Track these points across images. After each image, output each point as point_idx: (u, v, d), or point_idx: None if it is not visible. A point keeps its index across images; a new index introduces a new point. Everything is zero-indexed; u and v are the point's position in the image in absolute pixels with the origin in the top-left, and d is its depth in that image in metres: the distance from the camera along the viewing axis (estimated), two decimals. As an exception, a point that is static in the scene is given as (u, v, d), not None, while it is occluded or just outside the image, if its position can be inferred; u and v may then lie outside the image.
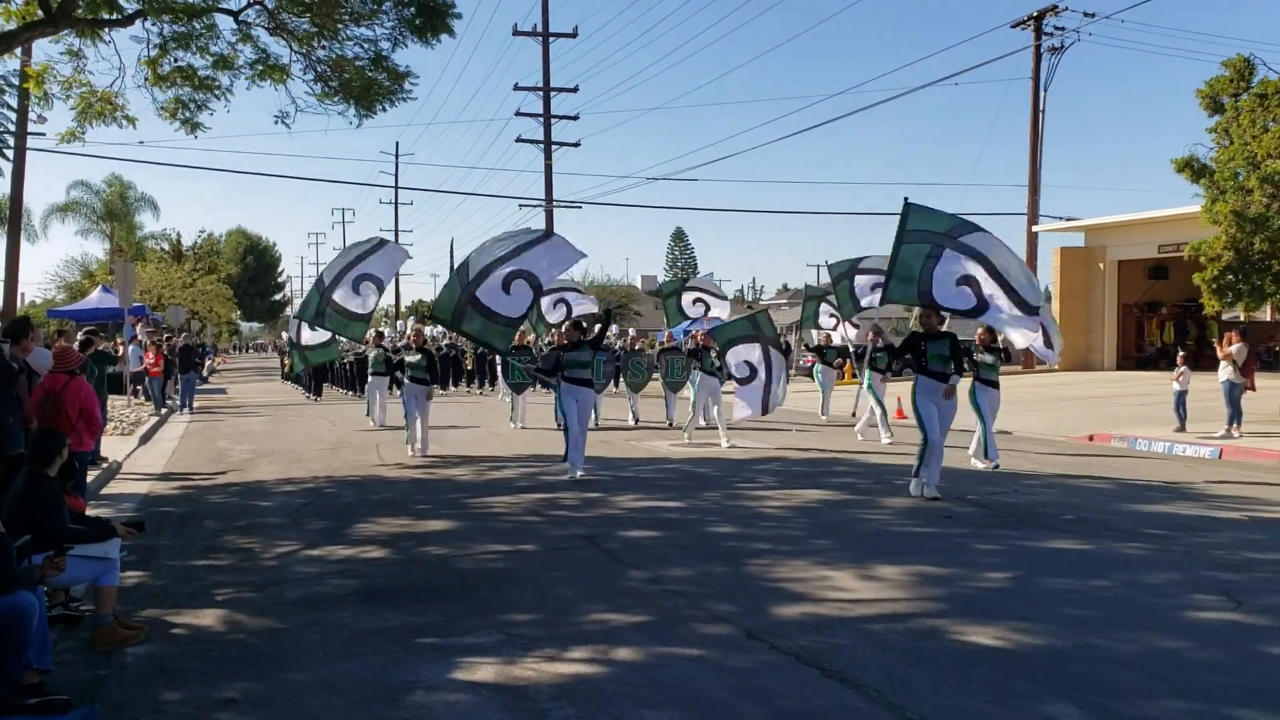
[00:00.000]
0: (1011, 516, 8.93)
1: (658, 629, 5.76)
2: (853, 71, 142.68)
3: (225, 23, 14.70)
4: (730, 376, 14.82)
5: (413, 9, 12.17)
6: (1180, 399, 16.86)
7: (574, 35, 41.21)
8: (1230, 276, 19.66)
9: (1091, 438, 17.07)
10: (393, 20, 12.74)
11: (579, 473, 11.53)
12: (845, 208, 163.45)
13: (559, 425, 17.31)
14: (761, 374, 14.14)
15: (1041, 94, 38.11)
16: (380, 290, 14.19)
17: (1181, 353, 18.91)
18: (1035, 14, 37.98)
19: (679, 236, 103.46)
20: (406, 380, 14.53)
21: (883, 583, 6.68)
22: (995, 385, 12.53)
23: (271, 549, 8.28)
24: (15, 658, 4.69)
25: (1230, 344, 17.09)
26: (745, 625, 5.76)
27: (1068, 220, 39.16)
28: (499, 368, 22.42)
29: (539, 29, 40.13)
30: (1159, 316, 37.38)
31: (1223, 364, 16.55)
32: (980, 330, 12.37)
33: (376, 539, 8.59)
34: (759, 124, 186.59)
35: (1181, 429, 16.56)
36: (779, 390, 14.34)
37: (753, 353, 14.18)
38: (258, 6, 13.97)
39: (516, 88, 41.32)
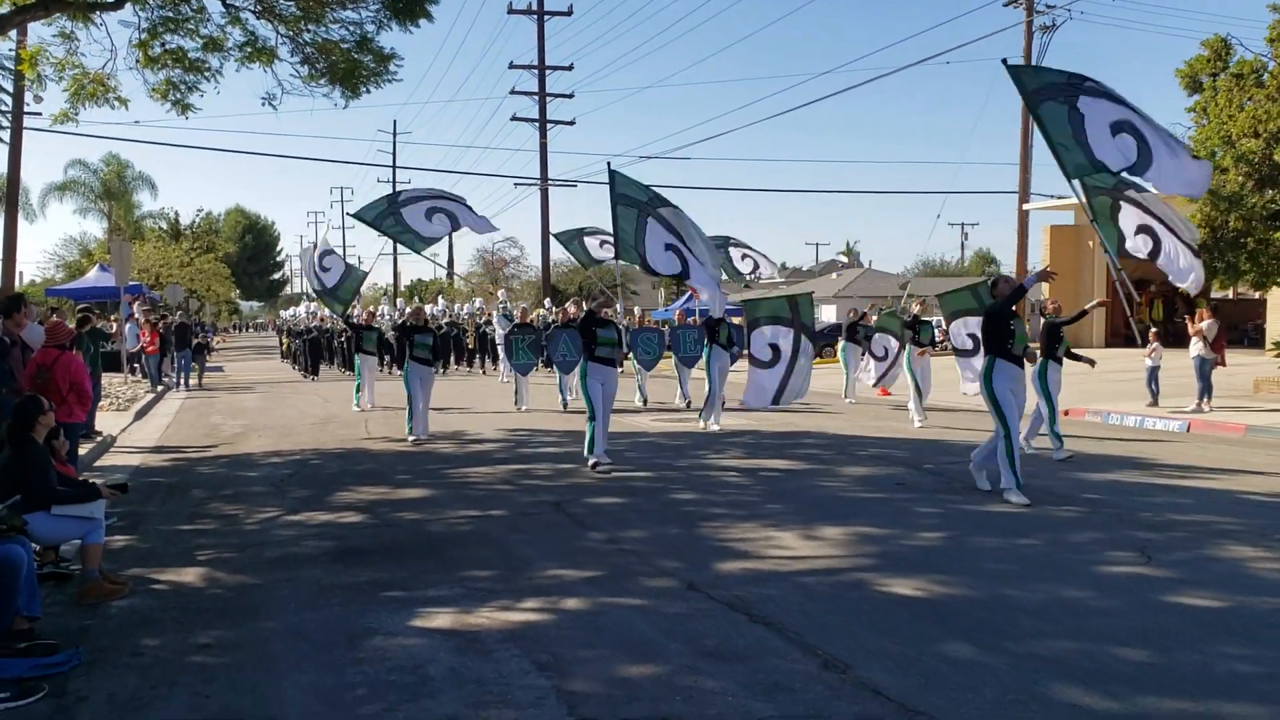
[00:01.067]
0: (959, 483, 9.35)
1: (606, 582, 6.19)
2: (846, 48, 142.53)
3: (214, 6, 15.03)
4: (749, 356, 13.35)
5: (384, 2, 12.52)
6: (1152, 374, 17.26)
7: (569, 14, 41.32)
8: (1206, 254, 20.02)
9: (1066, 412, 17.41)
10: (377, 3, 13.06)
11: (603, 463, 10.71)
12: (842, 186, 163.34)
13: (564, 407, 17.33)
14: (784, 362, 12.78)
15: (1034, 72, 38.28)
16: (451, 229, 14.72)
17: (1153, 329, 19.31)
18: (1027, -10, 38.11)
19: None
20: (410, 360, 13.78)
21: (823, 542, 7.10)
22: (1061, 363, 11.41)
23: (254, 515, 8.70)
24: (6, 604, 5.11)
25: (1201, 320, 17.51)
26: (687, 579, 6.19)
27: (1058, 199, 39.46)
28: (501, 348, 21.22)
29: (534, 7, 40.27)
30: (1148, 294, 37.70)
31: (1194, 340, 16.97)
32: (1049, 301, 12.00)
33: (355, 505, 9.01)
34: (752, 101, 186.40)
35: (1154, 403, 16.96)
36: (799, 383, 12.97)
37: (784, 338, 12.82)
38: (244, -11, 14.29)
39: (512, 66, 41.40)
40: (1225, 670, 4.45)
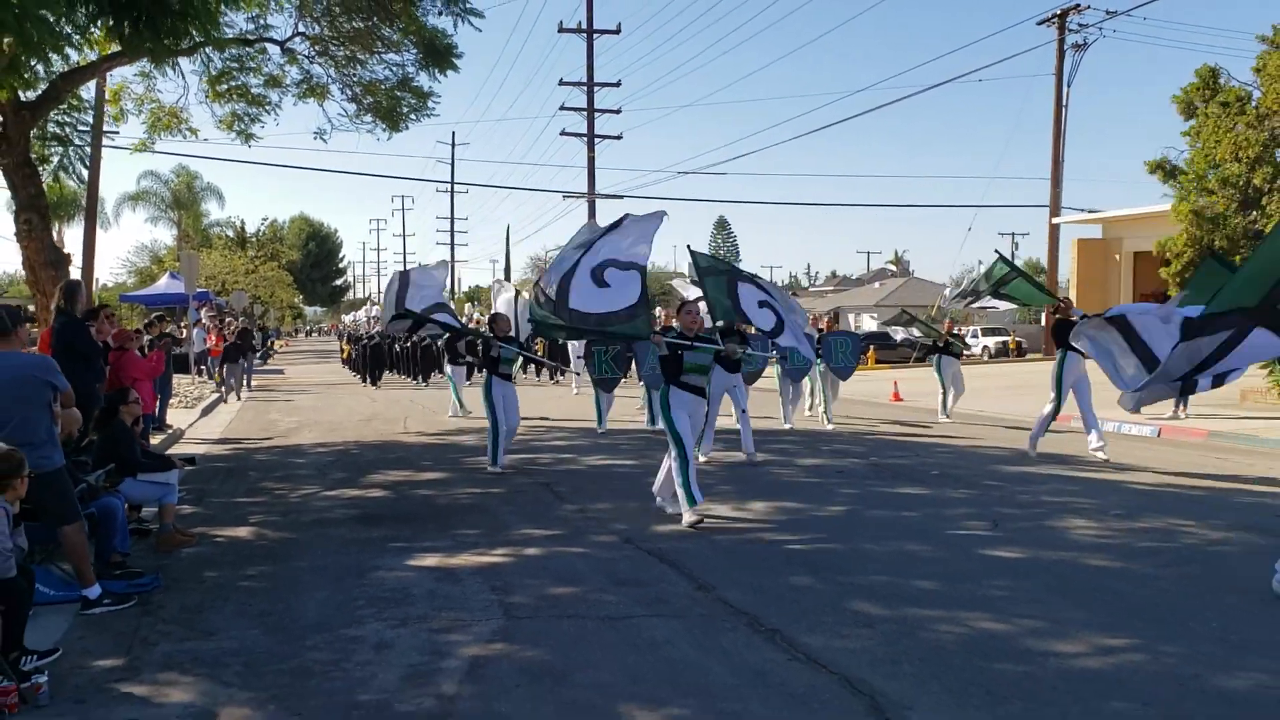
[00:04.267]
0: (889, 472, 10.90)
1: (563, 538, 7.89)
2: (886, 66, 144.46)
3: (273, 48, 17.00)
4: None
5: (419, 51, 14.36)
6: (1130, 382, 18.51)
7: (617, 31, 42.92)
8: (1193, 271, 21.26)
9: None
10: (412, 52, 14.93)
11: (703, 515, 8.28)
12: (880, 200, 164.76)
13: (652, 427, 14.75)
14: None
15: (1065, 89, 39.34)
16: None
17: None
18: (1060, 11, 39.11)
19: (721, 225, 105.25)
20: (496, 378, 11.73)
21: (748, 513, 8.72)
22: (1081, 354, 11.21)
23: (298, 491, 10.51)
24: (108, 540, 6.91)
25: (1175, 333, 18.75)
26: (627, 536, 7.86)
27: (1089, 212, 40.48)
28: (579, 359, 18.86)
29: (583, 25, 41.93)
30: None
31: (1166, 351, 18.23)
32: (1061, 300, 12.00)
33: (381, 484, 10.80)
34: (793, 117, 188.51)
35: (1135, 410, 18.22)
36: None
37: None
38: (301, 36, 16.22)
39: (561, 83, 43.01)
40: (985, 595, 6.01)
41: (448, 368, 18.68)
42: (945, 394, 17.00)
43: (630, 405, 18.10)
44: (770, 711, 4.33)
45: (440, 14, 13.98)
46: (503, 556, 7.34)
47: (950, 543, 7.45)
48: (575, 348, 20.54)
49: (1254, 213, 20.13)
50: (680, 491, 8.23)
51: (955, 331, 17.69)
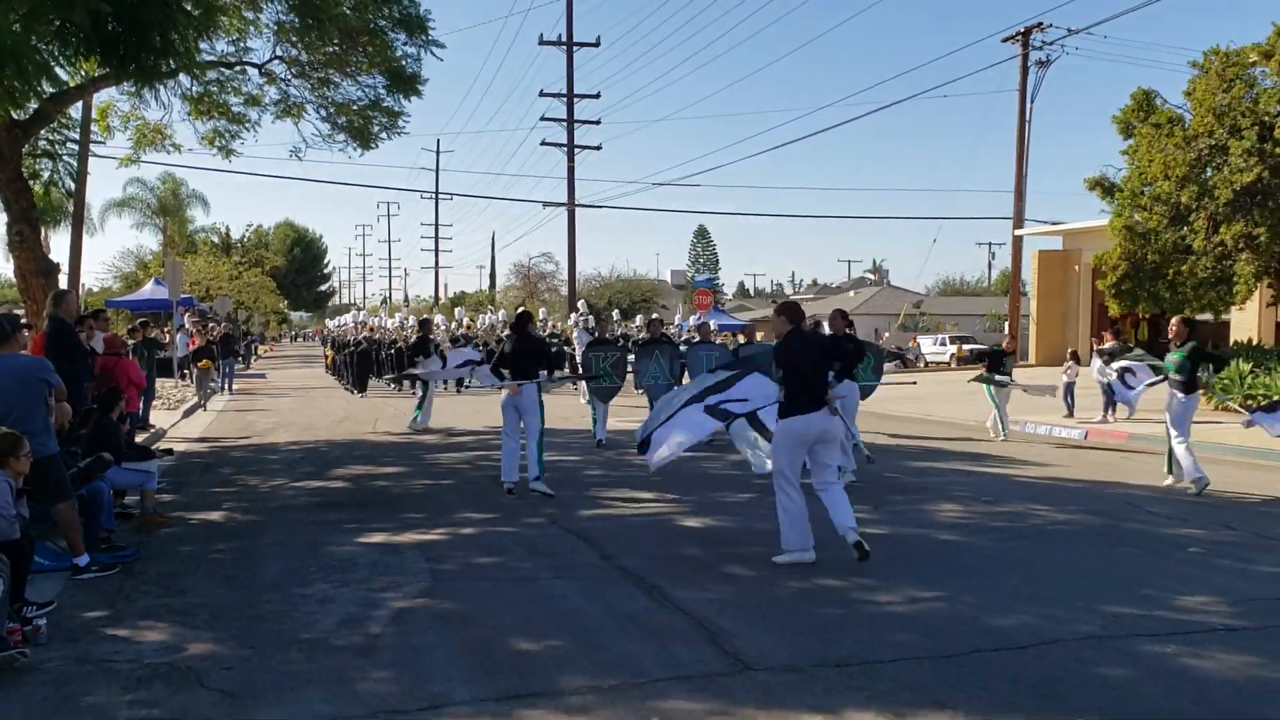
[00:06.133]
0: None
1: (497, 520, 8.96)
2: (851, 81, 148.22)
3: (253, 70, 18.03)
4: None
5: (386, 78, 15.45)
6: (1069, 389, 19.69)
7: (597, 44, 44.10)
8: (1128, 284, 22.49)
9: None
10: (383, 77, 16.02)
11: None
12: (858, 211, 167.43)
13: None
14: None
15: (1028, 105, 40.61)
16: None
17: (1071, 349, 21.78)
18: (1023, 29, 40.36)
19: (701, 234, 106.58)
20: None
21: (669, 502, 9.81)
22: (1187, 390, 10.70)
23: (268, 483, 11.55)
24: (95, 519, 7.94)
25: (1104, 342, 20.01)
26: (554, 518, 8.95)
27: (1051, 224, 41.78)
28: (580, 366, 17.85)
29: (563, 38, 42.99)
30: (1132, 316, 39.85)
31: (1094, 359, 19.43)
32: (1175, 321, 11.13)
33: (344, 477, 11.84)
34: (765, 130, 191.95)
35: (1070, 414, 19.39)
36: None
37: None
38: (278, 60, 17.26)
39: (542, 94, 43.99)
40: (837, 560, 7.10)
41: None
42: (999, 411, 16.24)
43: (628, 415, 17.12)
44: (630, 643, 5.40)
45: (406, 44, 15.05)
46: (441, 535, 8.40)
47: (829, 523, 8.52)
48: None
49: (1183, 228, 21.29)
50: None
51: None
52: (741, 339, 16.00)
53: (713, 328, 19.76)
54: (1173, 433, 10.69)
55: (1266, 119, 19.53)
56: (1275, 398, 15.31)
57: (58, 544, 7.48)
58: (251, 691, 4.81)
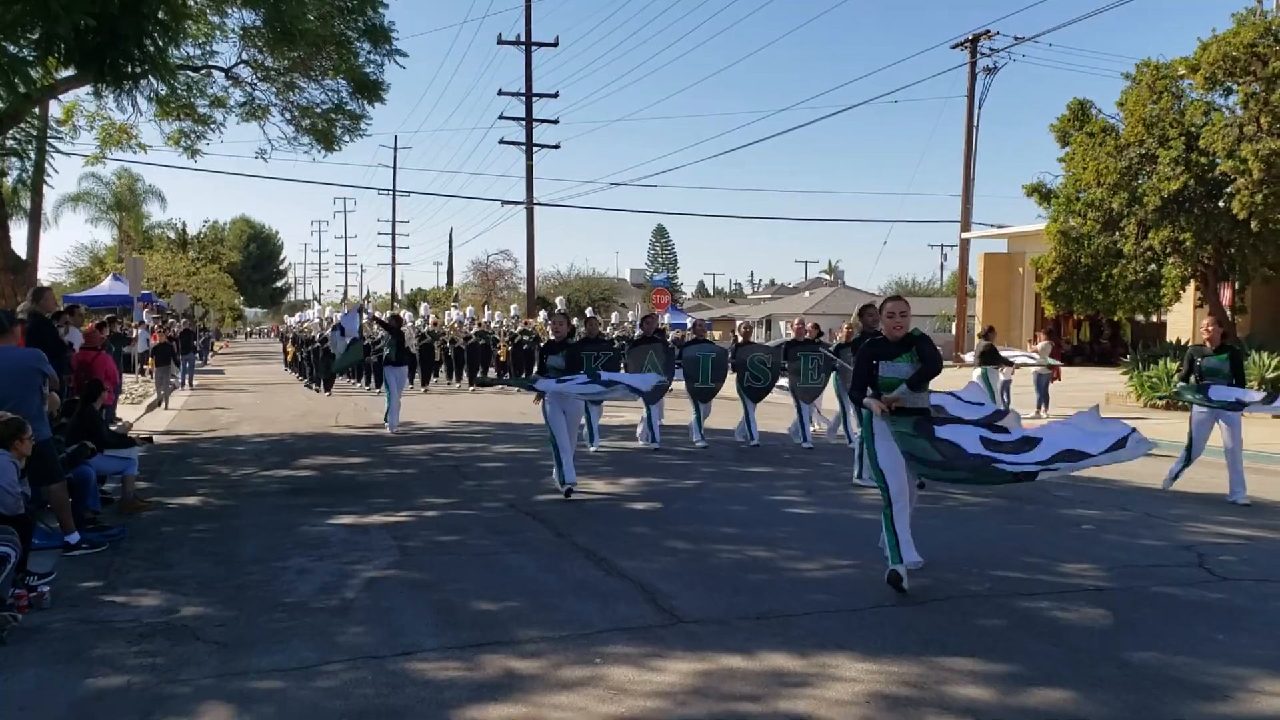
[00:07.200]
0: (749, 456, 12.80)
1: (459, 504, 9.65)
2: (806, 86, 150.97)
3: (218, 73, 18.51)
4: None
5: (351, 84, 16.06)
6: (1005, 386, 20.63)
7: (555, 44, 44.69)
8: (1063, 286, 23.53)
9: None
10: (348, 81, 16.60)
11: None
12: (814, 213, 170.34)
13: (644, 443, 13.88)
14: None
15: (976, 111, 41.73)
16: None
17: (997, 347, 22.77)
18: (972, 36, 41.46)
19: (660, 233, 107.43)
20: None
21: (619, 486, 10.55)
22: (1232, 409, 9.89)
23: (237, 471, 12.13)
24: (82, 501, 8.53)
25: (1038, 342, 21.02)
26: (511, 502, 9.65)
27: (997, 228, 42.99)
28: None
29: (522, 38, 43.51)
30: (1075, 317, 41.17)
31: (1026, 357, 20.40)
32: (1207, 322, 10.55)
33: (311, 466, 12.46)
34: (719, 134, 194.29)
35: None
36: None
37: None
38: (244, 64, 17.78)
39: (501, 93, 44.51)
40: (770, 536, 7.87)
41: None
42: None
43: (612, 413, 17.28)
44: (579, 603, 6.12)
45: (370, 53, 15.66)
46: (406, 517, 9.07)
47: (765, 505, 9.34)
48: None
49: (1114, 233, 22.31)
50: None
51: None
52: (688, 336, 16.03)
53: (666, 324, 20.55)
54: (1233, 443, 9.76)
55: (1193, 130, 20.57)
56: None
57: (48, 524, 8.06)
58: (243, 644, 5.47)
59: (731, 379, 14.42)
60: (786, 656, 5.06)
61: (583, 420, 12.47)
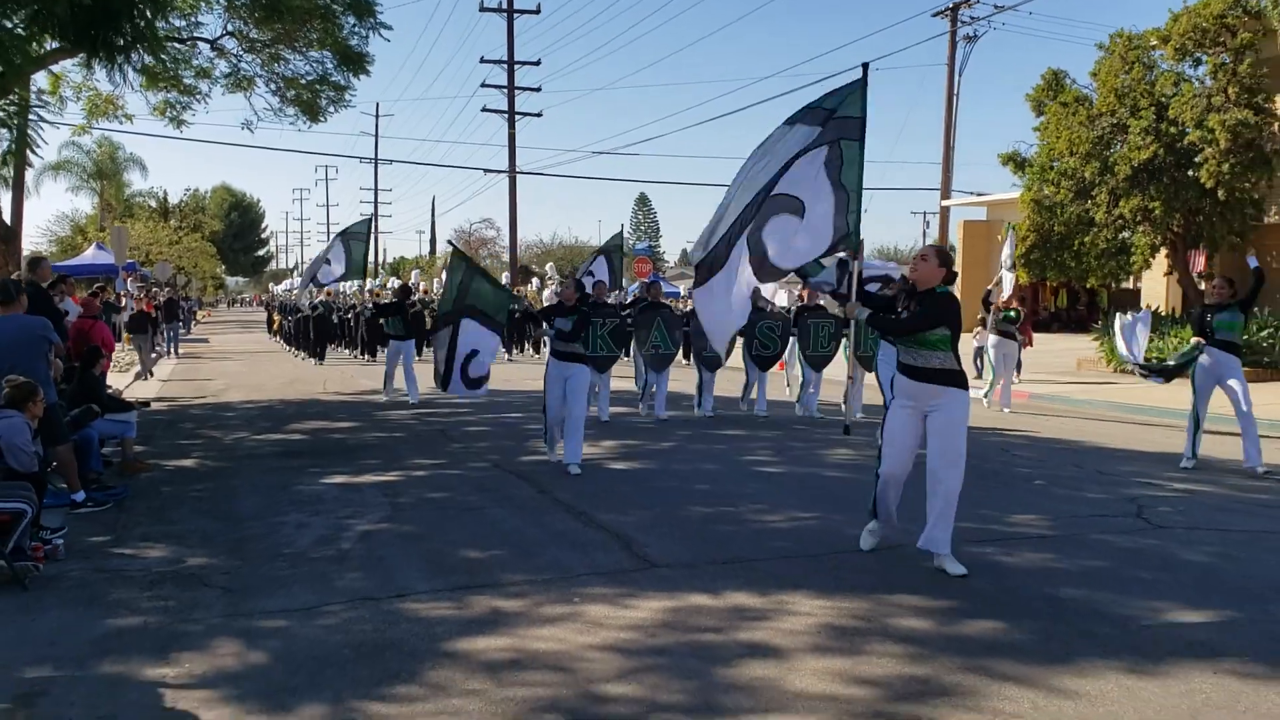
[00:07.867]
0: (726, 421, 13.27)
1: (446, 464, 10.09)
2: (787, 55, 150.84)
3: (204, 45, 18.73)
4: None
5: (336, 56, 16.35)
6: (977, 353, 21.16)
7: (537, 11, 44.55)
8: (1037, 254, 24.01)
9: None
10: (332, 53, 16.88)
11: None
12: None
13: (646, 413, 13.75)
14: None
15: (956, 79, 42.05)
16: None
17: (981, 315, 23.30)
18: (952, 4, 41.70)
19: (642, 201, 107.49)
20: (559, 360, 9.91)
21: (599, 448, 10.99)
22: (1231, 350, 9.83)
23: (230, 436, 12.54)
24: (86, 462, 8.94)
25: (1011, 307, 21.50)
26: (496, 462, 10.11)
27: (976, 195, 43.46)
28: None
29: (504, 5, 43.36)
30: (1052, 284, 41.74)
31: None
32: (1218, 280, 10.16)
33: (301, 430, 12.88)
34: (702, 101, 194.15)
35: (978, 377, 20.84)
36: None
37: None
38: (229, 35, 18.00)
39: (483, 60, 44.34)
40: (739, 492, 8.36)
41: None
42: (993, 376, 16.23)
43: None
44: (559, 552, 6.59)
45: (355, 27, 15.95)
46: (396, 476, 9.52)
47: (736, 465, 9.82)
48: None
49: (1086, 202, 22.78)
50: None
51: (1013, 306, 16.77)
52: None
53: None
54: (1246, 407, 9.62)
55: (1163, 100, 21.02)
56: (1163, 359, 16.81)
57: (55, 484, 8.47)
58: (247, 589, 5.91)
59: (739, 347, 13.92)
60: (748, 595, 5.54)
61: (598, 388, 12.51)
